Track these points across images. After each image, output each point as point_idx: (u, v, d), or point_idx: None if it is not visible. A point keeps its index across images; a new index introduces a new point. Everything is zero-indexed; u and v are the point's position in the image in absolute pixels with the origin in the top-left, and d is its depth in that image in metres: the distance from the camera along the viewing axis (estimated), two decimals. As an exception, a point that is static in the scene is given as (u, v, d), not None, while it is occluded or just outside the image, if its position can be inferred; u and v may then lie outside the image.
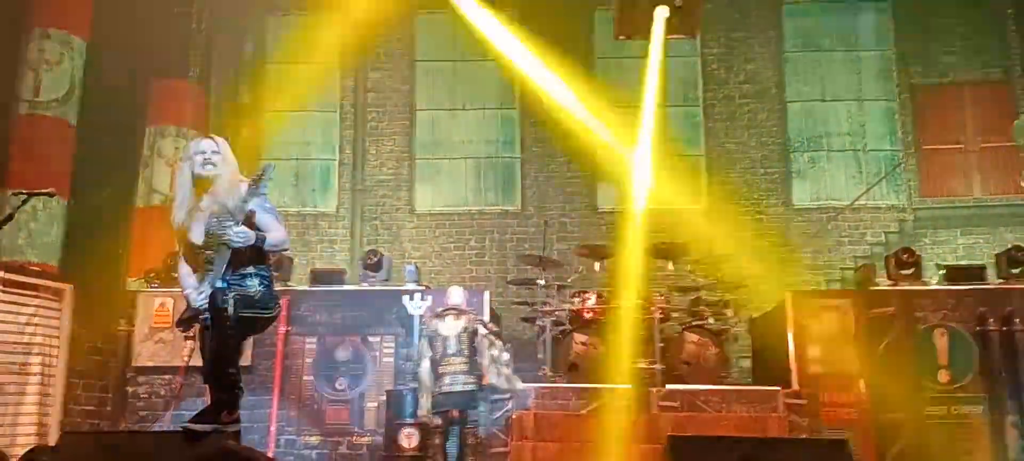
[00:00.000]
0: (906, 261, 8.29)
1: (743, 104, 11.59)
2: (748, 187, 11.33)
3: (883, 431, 7.69)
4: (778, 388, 7.28)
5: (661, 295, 8.00)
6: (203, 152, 4.46)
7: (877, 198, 11.25)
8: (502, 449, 6.89)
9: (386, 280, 8.69)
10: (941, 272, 8.44)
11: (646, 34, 10.57)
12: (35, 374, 7.46)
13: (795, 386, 7.69)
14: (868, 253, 10.77)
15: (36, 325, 7.45)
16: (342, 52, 12.02)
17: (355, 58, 11.97)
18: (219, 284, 4.34)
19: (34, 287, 7.53)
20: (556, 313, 8.03)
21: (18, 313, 7.36)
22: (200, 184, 4.44)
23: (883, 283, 8.36)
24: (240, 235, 4.30)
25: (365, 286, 8.57)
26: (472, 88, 11.89)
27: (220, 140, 4.58)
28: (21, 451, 6.01)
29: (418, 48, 12.12)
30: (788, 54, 11.83)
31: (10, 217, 5.05)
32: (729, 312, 7.81)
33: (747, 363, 9.14)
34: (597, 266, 8.29)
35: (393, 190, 11.70)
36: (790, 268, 10.87)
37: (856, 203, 11.00)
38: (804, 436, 6.79)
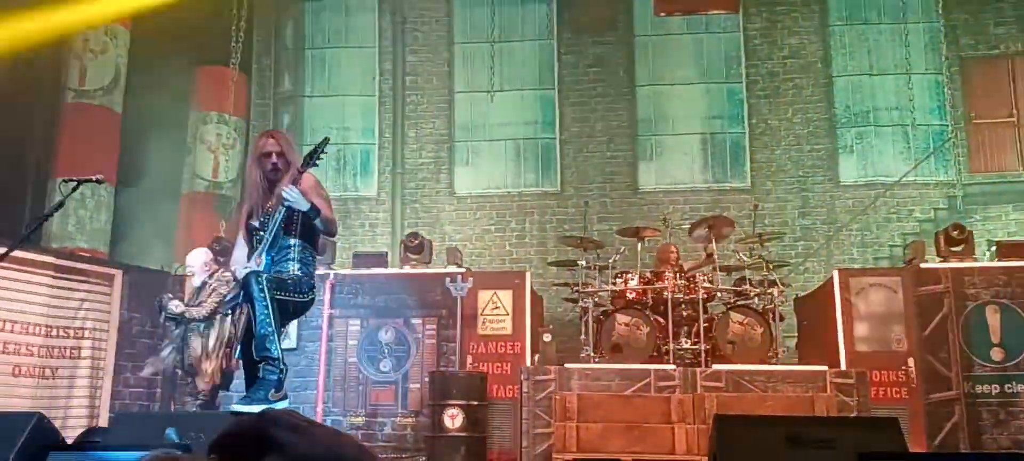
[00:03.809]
0: (956, 237, 8.12)
1: (787, 79, 11.39)
2: (793, 164, 11.15)
3: (934, 410, 7.56)
4: (825, 367, 7.17)
5: (705, 275, 7.91)
6: (268, 154, 4.61)
7: (926, 174, 11.00)
8: (545, 430, 6.88)
9: (427, 263, 8.71)
10: (992, 248, 8.24)
11: (686, 10, 10.46)
12: (86, 358, 7.63)
13: (843, 365, 7.57)
14: (917, 230, 10.55)
15: (87, 310, 7.62)
16: (380, 36, 12.09)
17: (393, 42, 12.01)
18: (258, 265, 4.41)
19: (84, 273, 7.69)
20: (598, 294, 7.98)
21: (69, 298, 7.53)
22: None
23: (933, 260, 8.20)
24: (292, 194, 4.40)
25: (407, 269, 8.60)
26: (510, 69, 11.84)
27: (282, 137, 4.73)
28: (74, 433, 6.15)
29: (456, 30, 12.10)
30: (833, 27, 11.58)
31: (60, 204, 5.14)
32: (774, 291, 7.67)
33: (793, 342, 9.01)
34: (639, 246, 8.21)
35: (433, 173, 11.72)
36: (837, 246, 10.71)
37: (904, 179, 10.76)
38: (853, 415, 6.67)
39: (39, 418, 4.03)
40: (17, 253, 5.80)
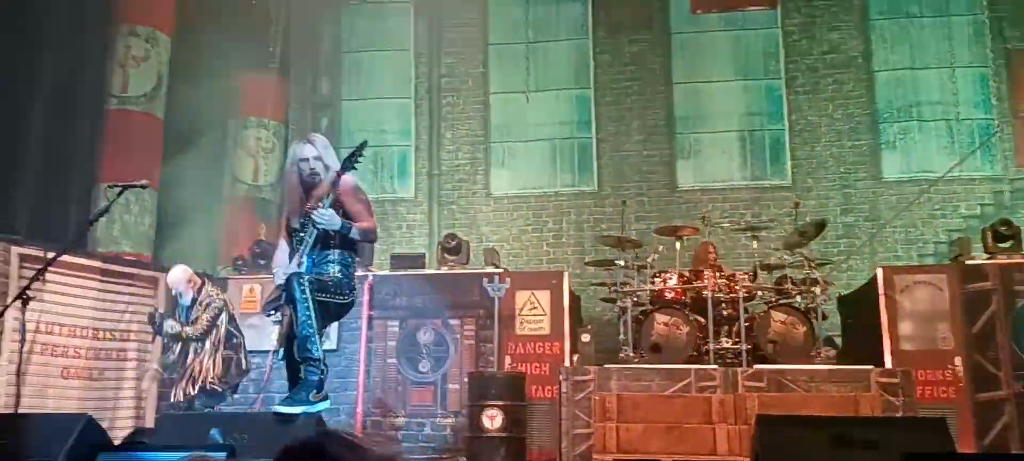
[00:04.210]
0: (1004, 233, 7.97)
1: (827, 75, 11.23)
2: (835, 160, 10.99)
3: (982, 410, 7.41)
4: (870, 367, 7.05)
5: (745, 273, 7.82)
6: (306, 159, 4.65)
7: (971, 169, 10.78)
8: (585, 430, 6.85)
9: (465, 264, 8.73)
10: (1042, 244, 8.04)
11: (723, 7, 10.36)
12: (132, 360, 7.77)
13: (888, 364, 7.45)
14: (962, 226, 10.34)
15: (132, 313, 7.75)
16: (416, 39, 12.15)
17: (428, 44, 12.06)
18: (299, 267, 4.45)
19: (130, 276, 7.83)
20: (636, 294, 7.93)
21: (115, 301, 7.67)
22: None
23: (979, 256, 8.03)
24: (324, 217, 4.42)
25: (444, 270, 8.63)
26: (545, 69, 11.83)
27: (319, 141, 4.76)
28: (121, 433, 6.27)
29: (491, 32, 12.11)
30: (874, 22, 11.39)
31: (106, 209, 5.25)
32: (817, 289, 7.56)
33: (837, 341, 8.88)
34: (677, 245, 8.15)
35: (469, 174, 11.75)
36: (880, 243, 10.54)
37: (949, 174, 10.55)
38: (899, 415, 6.55)
39: (88, 420, 4.11)
40: (65, 258, 5.92)
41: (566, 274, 8.56)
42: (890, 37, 11.33)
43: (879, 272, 8.02)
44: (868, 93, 11.17)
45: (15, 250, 6.83)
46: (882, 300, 7.80)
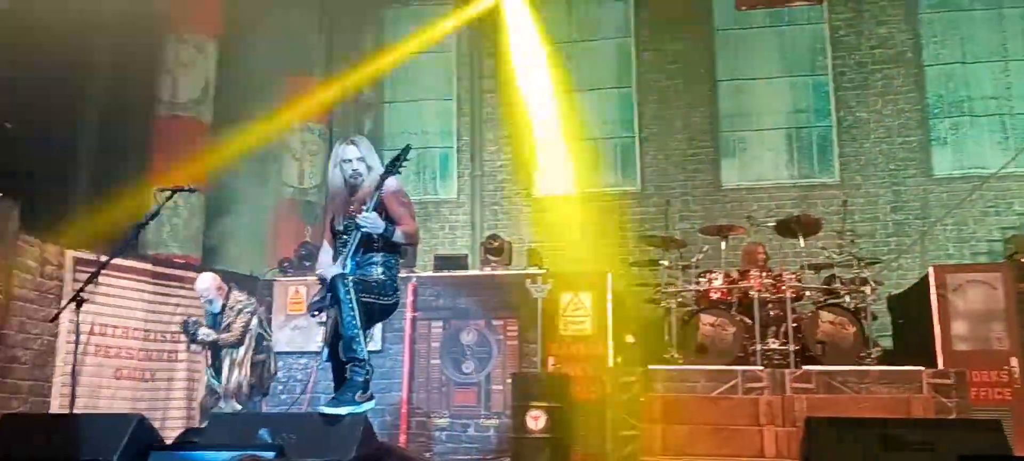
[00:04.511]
0: (1062, 230, 7.74)
1: (876, 70, 11.00)
2: (884, 157, 10.76)
3: (1041, 412, 7.20)
4: (922, 368, 6.90)
5: (792, 273, 7.71)
6: (349, 161, 4.71)
7: (1025, 165, 10.48)
8: (630, 432, 6.81)
9: (507, 264, 8.74)
10: (1101, 241, 7.81)
11: (769, 3, 10.22)
12: (182, 360, 7.91)
13: (940, 365, 7.29)
14: (1017, 224, 10.06)
15: (182, 314, 7.88)
16: (458, 40, 12.18)
17: (470, 45, 12.08)
18: (343, 269, 4.49)
19: (179, 278, 7.98)
20: (681, 294, 7.87)
21: (166, 303, 7.82)
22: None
23: (1036, 254, 7.83)
24: (367, 220, 4.47)
25: (487, 271, 8.64)
26: (587, 69, 11.77)
27: (362, 143, 4.80)
28: (173, 433, 6.38)
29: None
30: (923, 15, 11.13)
31: (156, 213, 5.35)
32: (866, 289, 7.43)
33: (887, 342, 8.71)
34: (722, 245, 8.06)
35: (511, 175, 11.74)
36: (931, 241, 10.30)
37: (1002, 171, 10.28)
38: (952, 417, 6.40)
39: (140, 420, 4.19)
40: (117, 261, 6.05)
41: (609, 275, 8.51)
42: (940, 30, 11.06)
43: (931, 271, 7.86)
44: (918, 88, 10.92)
45: (69, 254, 7.00)
46: (934, 300, 7.64)
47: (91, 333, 7.00)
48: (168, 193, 5.28)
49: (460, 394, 8.17)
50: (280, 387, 8.26)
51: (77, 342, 5.60)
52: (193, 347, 7.09)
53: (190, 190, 5.51)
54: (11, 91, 6.81)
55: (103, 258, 5.76)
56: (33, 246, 6.69)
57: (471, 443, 8.01)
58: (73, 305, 4.98)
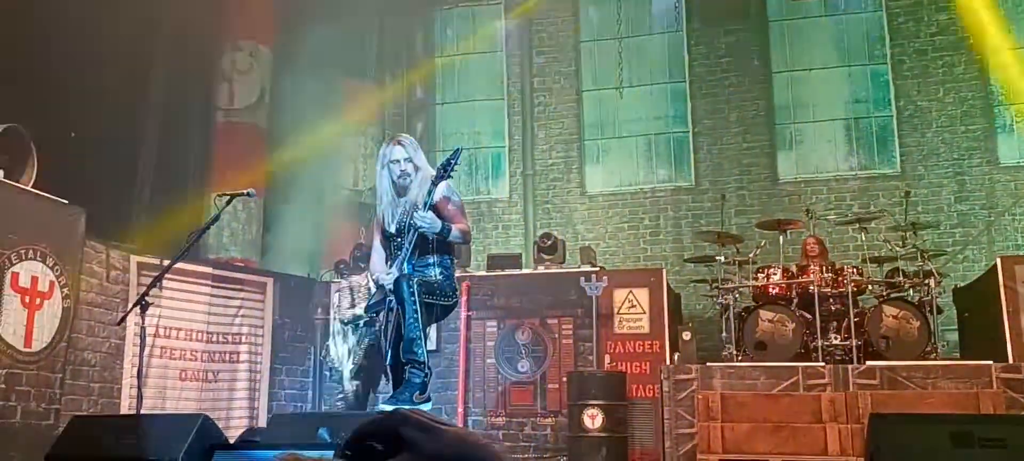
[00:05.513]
0: None
1: (936, 57, 10.69)
2: (947, 146, 10.46)
3: (1119, 408, 6.90)
4: (991, 362, 6.69)
5: (854, 267, 7.54)
6: (397, 162, 4.68)
7: (1096, 150, 10.10)
8: (688, 430, 6.73)
9: (561, 263, 8.71)
10: None
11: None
12: (244, 361, 8.06)
13: (1010, 359, 7.05)
14: (1090, 212, 9.70)
15: (243, 316, 8.05)
16: (507, 40, 12.19)
17: (519, 45, 12.08)
18: (403, 270, 4.51)
19: (240, 281, 8.13)
20: (738, 290, 7.75)
21: (227, 305, 7.97)
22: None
23: (1112, 243, 7.52)
24: (425, 220, 4.47)
25: (541, 269, 8.63)
26: (638, 64, 11.68)
27: (409, 142, 4.78)
28: (235, 432, 6.50)
29: (582, 29, 12.04)
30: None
31: (216, 218, 5.45)
32: (931, 282, 7.22)
33: (954, 336, 8.46)
34: (780, 239, 7.91)
35: (563, 173, 11.71)
36: (998, 232, 9.98)
37: (1073, 157, 9.92)
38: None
39: (204, 419, 4.27)
40: (180, 265, 6.18)
41: (664, 271, 8.43)
42: (1003, 15, 10.71)
43: (998, 262, 7.59)
44: (981, 75, 10.59)
45: (134, 259, 7.18)
46: (1002, 292, 7.38)
47: (156, 336, 7.16)
48: (227, 198, 5.37)
49: (516, 393, 8.17)
50: (337, 387, 8.36)
51: (142, 345, 5.72)
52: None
53: (248, 195, 5.59)
54: (76, 102, 7.01)
55: (166, 262, 5.89)
56: (99, 252, 6.88)
57: (528, 442, 8.01)
58: (138, 309, 5.09)
